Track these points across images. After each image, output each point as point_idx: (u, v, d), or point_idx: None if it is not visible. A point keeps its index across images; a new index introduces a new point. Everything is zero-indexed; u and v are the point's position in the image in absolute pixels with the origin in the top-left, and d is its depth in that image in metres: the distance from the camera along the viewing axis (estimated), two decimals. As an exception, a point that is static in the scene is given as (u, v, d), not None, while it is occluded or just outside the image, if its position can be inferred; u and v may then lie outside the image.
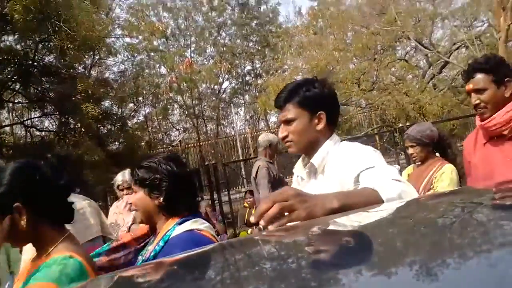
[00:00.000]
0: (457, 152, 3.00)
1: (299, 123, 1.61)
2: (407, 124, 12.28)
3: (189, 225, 1.58)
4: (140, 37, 16.24)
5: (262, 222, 1.00)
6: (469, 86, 2.20)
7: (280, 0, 27.82)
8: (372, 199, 1.16)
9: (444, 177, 2.80)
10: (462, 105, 13.12)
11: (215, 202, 9.09)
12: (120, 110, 13.11)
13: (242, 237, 1.75)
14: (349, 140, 1.85)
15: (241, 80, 19.90)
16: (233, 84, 20.20)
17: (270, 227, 1.00)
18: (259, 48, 19.61)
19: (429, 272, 0.46)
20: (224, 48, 18.89)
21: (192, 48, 18.98)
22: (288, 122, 1.63)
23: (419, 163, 3.02)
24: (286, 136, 1.65)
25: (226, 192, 9.57)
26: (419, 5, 13.64)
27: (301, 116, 1.61)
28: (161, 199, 1.61)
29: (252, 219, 1.03)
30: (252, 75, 20.02)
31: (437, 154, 3.07)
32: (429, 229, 0.70)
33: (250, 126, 19.91)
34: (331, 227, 0.92)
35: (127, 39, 15.00)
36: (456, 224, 0.69)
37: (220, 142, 17.67)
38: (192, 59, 17.80)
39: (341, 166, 1.52)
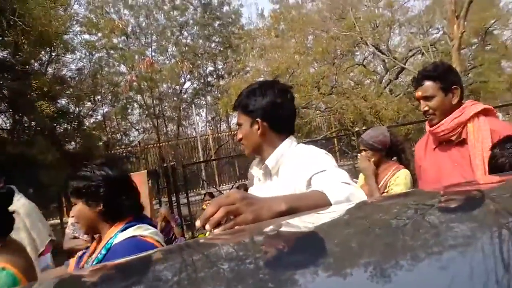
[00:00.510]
0: (411, 157, 3.07)
1: (243, 129, 1.69)
2: (364, 128, 12.63)
3: (132, 231, 1.56)
4: (100, 34, 15.82)
5: (207, 227, 0.99)
6: (418, 93, 2.26)
7: (243, 2, 27.88)
8: (320, 202, 1.18)
9: (398, 181, 2.84)
10: (417, 110, 13.56)
11: (174, 204, 9.00)
12: (77, 108, 12.74)
13: (181, 243, 1.74)
14: (308, 143, 1.88)
15: (203, 81, 19.77)
16: (195, 85, 20.08)
17: (216, 231, 0.99)
18: (222, 49, 19.55)
19: (376, 273, 0.47)
20: (186, 48, 18.71)
21: (153, 47, 18.71)
22: (239, 126, 1.72)
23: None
24: (240, 139, 1.71)
25: (187, 194, 9.50)
26: (377, 11, 14.01)
27: (244, 122, 1.68)
28: (101, 206, 1.58)
29: (198, 223, 1.02)
30: (214, 76, 19.96)
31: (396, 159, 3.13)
32: (375, 230, 0.71)
33: (211, 128, 19.83)
34: (277, 229, 0.91)
35: (86, 36, 14.56)
36: (402, 225, 0.71)
37: (181, 143, 17.49)
38: (153, 58, 17.54)
39: (295, 169, 1.55)
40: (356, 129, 12.53)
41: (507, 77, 14.23)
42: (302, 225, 0.94)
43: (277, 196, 1.23)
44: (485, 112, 2.21)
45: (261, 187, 1.74)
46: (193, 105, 19.26)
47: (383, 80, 14.78)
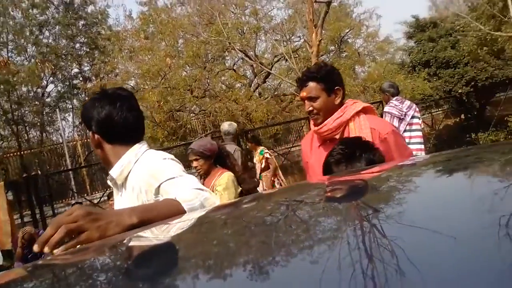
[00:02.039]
0: (235, 161, 3.33)
1: (91, 143, 1.66)
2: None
3: None
4: None
5: (46, 249, 0.92)
6: (303, 93, 2.30)
7: (109, 3, 26.69)
8: (174, 210, 1.15)
9: (221, 182, 3.06)
10: (284, 111, 14.46)
11: (38, 218, 8.31)
12: None
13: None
14: (185, 146, 1.84)
15: (68, 84, 18.48)
16: (59, 88, 18.66)
17: (56, 251, 0.93)
18: (88, 50, 18.49)
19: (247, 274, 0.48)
20: (47, 49, 17.31)
21: (10, 47, 16.95)
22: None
23: (204, 175, 3.25)
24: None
25: (52, 206, 8.83)
26: (244, 18, 14.55)
27: (91, 136, 1.63)
28: None
29: (35, 248, 0.95)
30: (81, 79, 18.77)
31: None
32: (235, 233, 0.71)
33: (79, 133, 18.59)
34: (128, 242, 0.85)
35: None
36: (253, 226, 0.72)
37: (45, 151, 16.14)
38: (10, 58, 15.91)
39: (142, 178, 1.51)
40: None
41: (361, 81, 15.88)
42: (160, 235, 0.89)
43: (126, 209, 1.19)
44: (365, 111, 2.29)
45: (118, 199, 1.68)
46: (57, 109, 17.86)
47: (252, 84, 15.41)
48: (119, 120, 1.59)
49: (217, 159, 3.25)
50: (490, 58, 15.36)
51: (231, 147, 5.14)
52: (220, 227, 0.81)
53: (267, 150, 7.01)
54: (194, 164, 3.20)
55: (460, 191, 0.70)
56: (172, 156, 1.60)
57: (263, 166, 6.62)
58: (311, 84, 2.26)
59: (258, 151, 6.76)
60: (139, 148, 1.62)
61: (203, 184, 3.19)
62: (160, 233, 0.89)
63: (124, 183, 1.61)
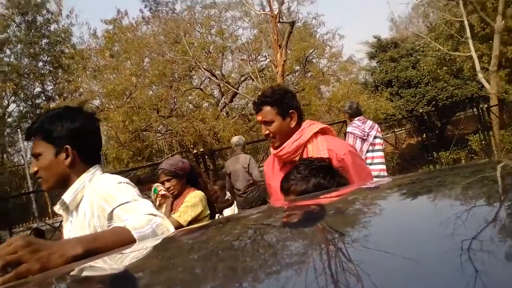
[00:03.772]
0: (207, 180, 3.25)
1: (44, 159, 1.50)
2: (201, 149, 12.96)
3: None
4: None
5: None
6: (259, 118, 2.32)
7: (73, 21, 26.30)
8: (124, 239, 1.10)
9: (188, 199, 2.95)
10: (251, 131, 14.48)
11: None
12: None
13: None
14: (151, 167, 1.77)
15: (30, 103, 18.01)
16: (21, 107, 18.17)
17: None
18: (51, 69, 18.14)
19: None
20: (9, 67, 16.87)
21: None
22: (35, 156, 1.52)
23: (175, 195, 3.11)
24: (36, 172, 1.52)
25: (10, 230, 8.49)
26: (210, 38, 14.61)
27: (46, 151, 1.50)
28: None
29: None
30: (43, 98, 18.34)
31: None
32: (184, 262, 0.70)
33: (42, 154, 18.08)
34: (71, 275, 0.81)
35: None
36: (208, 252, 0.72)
37: (6, 172, 15.62)
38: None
39: (95, 202, 1.44)
40: (195, 151, 12.89)
41: (326, 100, 16.12)
42: (103, 266, 0.85)
43: (71, 239, 1.14)
44: (323, 131, 2.31)
45: (67, 226, 1.58)
46: (19, 130, 17.35)
47: (220, 103, 15.40)
48: (96, 137, 1.57)
49: (188, 179, 3.13)
50: (449, 77, 15.93)
51: (243, 156, 5.98)
52: (166, 258, 0.78)
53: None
54: (166, 185, 3.05)
55: (421, 214, 0.70)
56: (127, 180, 1.53)
57: None
58: (266, 109, 2.27)
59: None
60: (94, 172, 1.56)
61: (172, 204, 3.12)
62: (103, 264, 0.86)
63: (76, 208, 1.53)
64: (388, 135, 15.10)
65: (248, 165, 5.96)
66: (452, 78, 15.97)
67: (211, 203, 3.14)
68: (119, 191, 1.44)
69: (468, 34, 11.87)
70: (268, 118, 2.27)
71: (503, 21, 11.50)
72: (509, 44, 13.33)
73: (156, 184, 4.21)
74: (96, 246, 1.03)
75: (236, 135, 14.94)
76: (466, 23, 11.85)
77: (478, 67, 11.67)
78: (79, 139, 1.52)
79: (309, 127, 2.29)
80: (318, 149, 2.21)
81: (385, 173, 5.18)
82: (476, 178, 0.93)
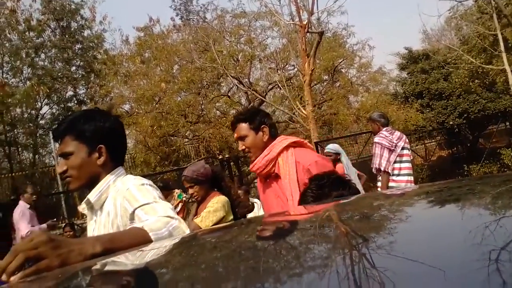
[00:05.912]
0: (231, 184, 3.30)
1: (77, 158, 1.52)
2: (227, 155, 13.02)
3: None
4: None
5: (3, 277, 0.89)
6: (235, 135, 2.49)
7: (106, 27, 27.01)
8: (140, 239, 1.13)
9: (210, 204, 2.99)
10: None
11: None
12: None
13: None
14: (179, 171, 1.81)
15: (63, 106, 18.49)
16: (53, 110, 18.67)
17: (13, 279, 0.90)
18: (83, 73, 18.60)
19: None
20: (43, 71, 17.39)
21: (6, 69, 17.03)
22: (65, 156, 1.53)
23: (200, 200, 3.16)
24: (65, 171, 1.53)
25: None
26: (238, 46, 14.71)
27: (79, 150, 1.53)
28: None
29: None
30: (75, 102, 18.80)
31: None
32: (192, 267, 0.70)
33: (72, 156, 18.47)
34: (89, 271, 0.83)
35: None
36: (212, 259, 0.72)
37: (37, 173, 16.03)
38: (5, 80, 15.96)
39: (119, 202, 1.48)
40: (221, 157, 12.97)
41: (354, 110, 15.96)
42: (120, 264, 0.87)
43: (90, 237, 1.17)
44: (297, 145, 2.42)
45: (91, 224, 1.62)
46: (51, 132, 17.84)
47: (247, 111, 15.39)
48: (124, 138, 1.62)
49: (214, 183, 3.18)
50: (482, 90, 15.55)
51: None
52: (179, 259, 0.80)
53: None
54: (190, 191, 3.14)
55: (444, 223, 0.69)
56: (150, 182, 1.56)
57: None
58: (240, 125, 2.46)
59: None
60: (118, 173, 1.60)
61: (197, 209, 3.15)
62: (120, 262, 0.88)
63: (100, 208, 1.57)
64: (417, 147, 14.83)
65: None
66: (485, 91, 15.59)
67: (234, 208, 3.17)
68: (141, 192, 1.47)
69: (502, 47, 11.62)
70: (242, 134, 2.44)
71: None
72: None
73: (180, 190, 4.30)
74: (114, 246, 1.05)
75: (262, 142, 14.96)
76: (500, 36, 11.61)
77: (511, 81, 11.40)
78: (111, 140, 1.58)
79: (280, 142, 2.41)
80: (287, 162, 2.34)
81: (412, 185, 5.09)
82: (507, 188, 0.89)
